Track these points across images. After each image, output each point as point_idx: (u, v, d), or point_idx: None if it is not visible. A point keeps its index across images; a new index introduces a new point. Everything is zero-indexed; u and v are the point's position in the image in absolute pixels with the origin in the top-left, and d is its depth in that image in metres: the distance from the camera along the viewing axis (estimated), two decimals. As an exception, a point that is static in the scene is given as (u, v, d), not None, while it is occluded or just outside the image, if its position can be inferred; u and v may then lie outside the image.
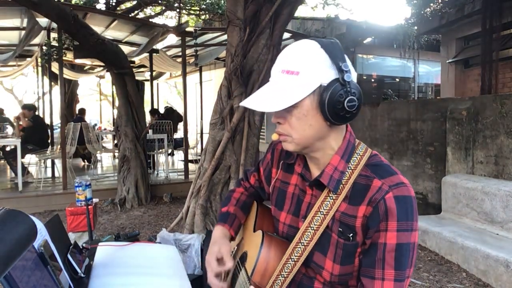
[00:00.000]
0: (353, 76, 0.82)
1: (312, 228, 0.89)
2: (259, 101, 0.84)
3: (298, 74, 0.81)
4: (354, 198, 0.85)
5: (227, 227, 1.10)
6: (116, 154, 7.26)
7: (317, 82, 0.80)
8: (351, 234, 0.85)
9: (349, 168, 0.87)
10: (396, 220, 0.79)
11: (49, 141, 6.92)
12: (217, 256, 1.00)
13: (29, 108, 6.45)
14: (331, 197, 0.87)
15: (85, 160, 8.75)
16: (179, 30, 6.28)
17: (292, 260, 0.91)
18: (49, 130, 7.17)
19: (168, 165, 7.79)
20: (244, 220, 1.16)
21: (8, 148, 6.64)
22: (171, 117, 8.45)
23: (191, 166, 7.08)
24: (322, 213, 0.88)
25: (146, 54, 7.48)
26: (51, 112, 7.36)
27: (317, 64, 0.81)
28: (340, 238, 0.86)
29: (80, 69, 9.69)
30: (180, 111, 8.93)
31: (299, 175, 0.97)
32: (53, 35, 6.10)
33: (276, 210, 1.03)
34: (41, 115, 8.52)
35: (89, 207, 2.10)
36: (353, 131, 0.93)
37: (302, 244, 0.90)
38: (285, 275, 0.91)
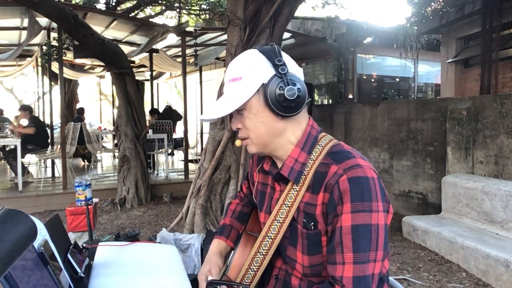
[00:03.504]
0: (293, 69, 0.87)
1: (278, 221, 0.90)
2: (211, 111, 0.90)
3: (240, 79, 0.88)
4: (315, 187, 0.86)
5: (223, 239, 1.13)
6: (116, 154, 7.26)
7: (259, 82, 0.86)
8: (312, 223, 0.86)
9: (311, 159, 0.89)
10: (350, 202, 0.79)
11: (48, 140, 6.92)
12: (206, 276, 1.02)
13: (24, 109, 6.44)
14: (295, 189, 0.89)
15: (85, 160, 8.75)
16: (179, 30, 6.28)
17: (261, 254, 0.92)
18: (48, 130, 7.17)
19: (168, 165, 7.79)
20: (243, 229, 1.18)
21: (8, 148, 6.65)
22: (170, 117, 8.45)
23: (191, 166, 7.08)
24: (286, 205, 0.89)
25: (146, 54, 7.48)
26: (51, 112, 7.35)
27: (255, 66, 0.87)
28: (303, 228, 0.87)
29: (80, 69, 9.69)
30: (180, 111, 8.93)
31: (269, 173, 1.00)
32: (53, 35, 6.10)
33: (259, 212, 1.05)
34: (41, 115, 8.53)
35: (89, 207, 2.09)
36: (315, 123, 0.96)
37: (269, 237, 0.91)
38: (255, 269, 0.93)
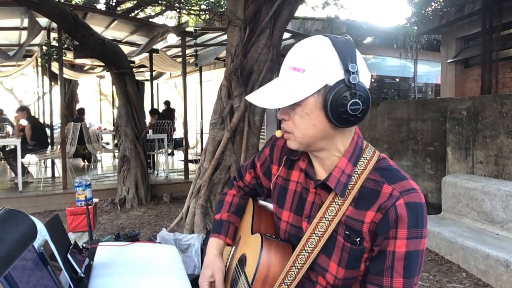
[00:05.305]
0: (363, 78, 0.80)
1: (317, 235, 0.86)
2: (263, 97, 0.82)
3: (304, 71, 0.78)
4: (361, 203, 0.82)
5: (222, 238, 1.07)
6: (116, 154, 7.26)
7: (323, 82, 0.77)
8: (358, 239, 0.82)
9: (356, 172, 0.84)
10: (406, 228, 0.77)
11: (48, 140, 6.93)
12: (210, 281, 0.98)
13: (22, 110, 6.45)
14: (337, 202, 0.84)
15: (85, 160, 8.75)
16: (179, 30, 6.28)
17: (296, 267, 0.88)
18: (47, 130, 7.16)
19: (168, 165, 7.79)
20: (239, 223, 1.13)
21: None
22: (170, 117, 8.45)
23: (191, 166, 7.08)
24: (327, 219, 0.85)
25: (146, 54, 7.48)
26: (51, 112, 7.35)
27: (324, 62, 0.77)
28: (346, 242, 0.83)
29: (80, 69, 9.70)
30: (180, 111, 8.94)
31: (302, 172, 0.94)
32: (53, 35, 6.11)
33: (277, 208, 1.00)
34: (41, 115, 8.54)
35: (89, 207, 2.10)
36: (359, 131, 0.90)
37: (306, 251, 0.87)
38: (288, 283, 0.89)
